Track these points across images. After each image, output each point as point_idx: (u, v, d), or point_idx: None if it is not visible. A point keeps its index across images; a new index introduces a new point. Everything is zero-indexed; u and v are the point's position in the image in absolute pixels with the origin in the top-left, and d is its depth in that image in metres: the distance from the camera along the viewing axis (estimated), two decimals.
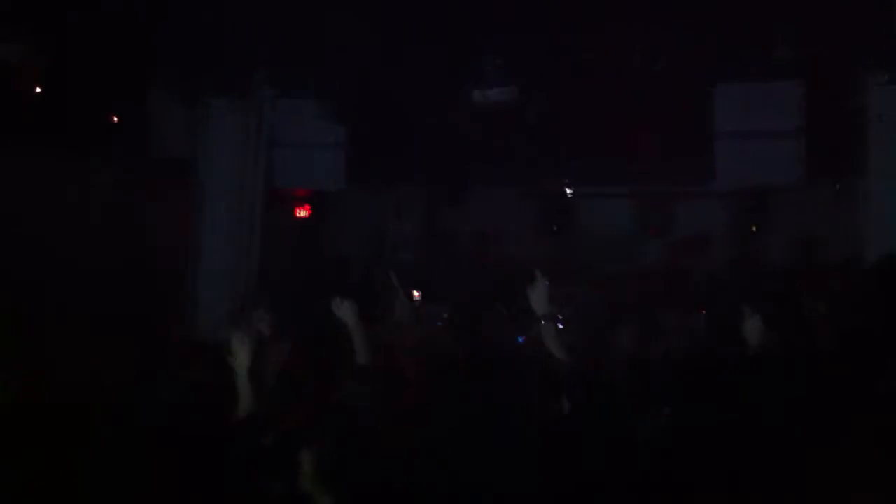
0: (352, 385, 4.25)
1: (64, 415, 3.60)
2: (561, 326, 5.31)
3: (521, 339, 5.64)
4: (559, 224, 12.12)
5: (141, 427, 3.39)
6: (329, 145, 8.68)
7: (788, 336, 5.50)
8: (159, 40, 7.43)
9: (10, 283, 6.25)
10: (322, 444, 3.31)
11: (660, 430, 4.31)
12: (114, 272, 7.69)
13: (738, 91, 7.79)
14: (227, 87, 8.54)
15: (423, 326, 5.97)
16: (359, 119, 8.73)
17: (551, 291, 4.57)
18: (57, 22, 6.98)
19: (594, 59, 7.77)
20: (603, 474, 3.81)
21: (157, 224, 8.49)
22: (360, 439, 3.49)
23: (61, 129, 7.19)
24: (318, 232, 11.61)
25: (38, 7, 6.90)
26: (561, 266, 10.42)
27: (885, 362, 4.24)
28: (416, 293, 8.52)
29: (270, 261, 9.27)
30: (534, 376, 4.64)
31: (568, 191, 11.95)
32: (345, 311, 4.60)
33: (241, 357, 3.93)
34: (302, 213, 10.99)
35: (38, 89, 7.27)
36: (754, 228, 11.28)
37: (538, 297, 4.58)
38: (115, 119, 8.17)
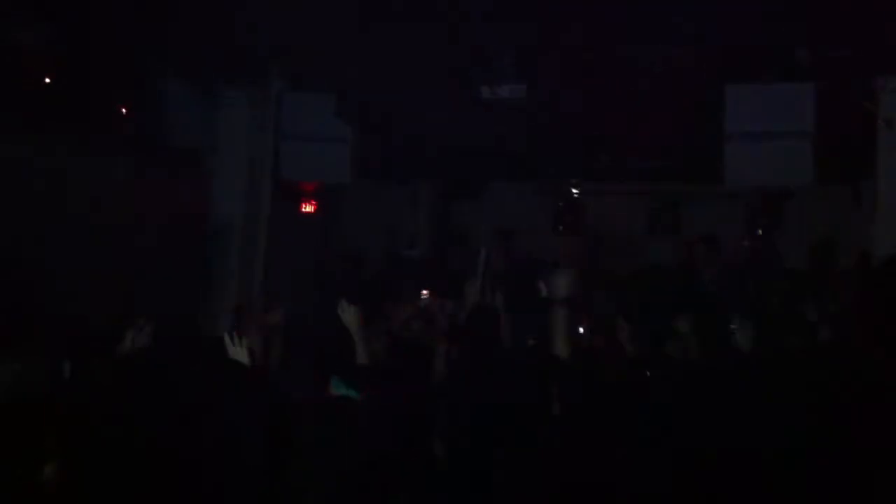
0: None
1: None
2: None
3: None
4: (566, 222, 12.10)
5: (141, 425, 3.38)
6: (336, 139, 8.71)
7: (795, 338, 5.49)
8: (172, 31, 7.46)
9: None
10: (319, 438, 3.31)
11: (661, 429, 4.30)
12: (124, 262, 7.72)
13: (749, 92, 7.77)
14: (240, 79, 8.59)
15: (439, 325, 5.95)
16: (368, 113, 8.75)
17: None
18: (69, 11, 7.01)
19: (604, 58, 7.75)
20: (602, 474, 3.82)
21: (168, 212, 8.50)
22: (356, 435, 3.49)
23: (71, 119, 7.21)
24: (327, 226, 11.63)
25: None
26: (571, 264, 10.42)
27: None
28: (424, 292, 8.52)
29: (279, 254, 9.32)
30: (536, 376, 4.65)
31: (574, 191, 11.92)
32: (348, 315, 4.59)
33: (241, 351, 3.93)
34: (308, 207, 11.00)
35: (49, 78, 7.29)
36: (760, 231, 11.24)
37: (558, 283, 4.60)
38: (127, 109, 8.19)
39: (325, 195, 11.07)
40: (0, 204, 6.61)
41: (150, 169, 8.21)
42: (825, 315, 5.97)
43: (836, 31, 6.89)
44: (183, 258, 8.47)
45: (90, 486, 2.73)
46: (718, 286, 9.48)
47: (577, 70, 7.93)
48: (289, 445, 3.17)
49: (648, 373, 5.05)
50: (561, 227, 12.13)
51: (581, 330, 6.73)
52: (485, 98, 7.80)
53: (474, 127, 8.86)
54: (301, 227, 10.88)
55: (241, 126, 9.02)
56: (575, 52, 7.69)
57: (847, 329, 5.65)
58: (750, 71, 7.67)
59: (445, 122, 8.80)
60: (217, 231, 8.95)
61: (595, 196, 12.11)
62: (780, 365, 4.57)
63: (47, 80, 7.18)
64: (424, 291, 8.52)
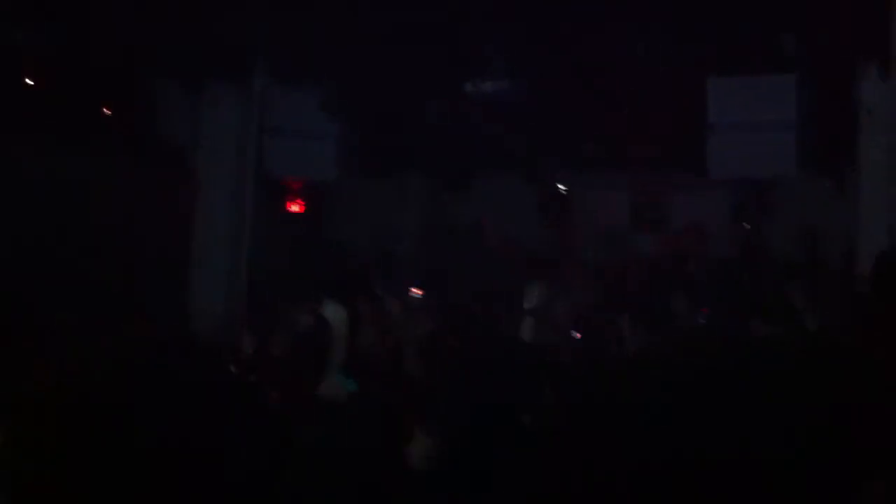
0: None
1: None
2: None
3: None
4: (554, 216, 12.13)
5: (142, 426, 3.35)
6: (322, 135, 8.71)
7: (785, 329, 5.53)
8: (156, 26, 7.42)
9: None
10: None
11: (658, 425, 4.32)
12: (111, 260, 7.69)
13: (732, 83, 7.81)
14: (225, 74, 8.55)
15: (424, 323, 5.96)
16: (355, 108, 8.74)
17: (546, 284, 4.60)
18: (54, 9, 6.97)
19: (589, 51, 7.78)
20: (602, 474, 3.82)
21: (153, 210, 8.48)
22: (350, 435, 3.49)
23: (55, 118, 7.18)
24: (315, 222, 11.62)
25: None
26: (558, 258, 10.46)
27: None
28: (415, 290, 8.53)
29: (265, 252, 9.30)
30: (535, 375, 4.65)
31: (561, 186, 11.96)
32: (335, 316, 4.54)
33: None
34: (294, 206, 10.99)
35: (36, 77, 7.26)
36: (747, 222, 11.32)
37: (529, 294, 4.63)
38: (111, 107, 8.16)
39: (311, 192, 11.06)
40: None
41: (135, 167, 8.18)
42: (812, 303, 6.03)
43: (819, 20, 6.93)
44: (169, 255, 8.44)
45: (90, 486, 2.74)
46: (706, 276, 9.54)
47: (561, 63, 7.95)
48: (288, 445, 3.18)
49: (648, 373, 5.05)
50: (547, 221, 12.17)
51: (577, 334, 6.77)
52: (469, 93, 7.81)
53: (460, 120, 8.87)
54: (287, 225, 10.88)
55: (227, 122, 8.98)
56: (559, 46, 7.71)
57: (832, 317, 5.70)
58: (733, 62, 7.70)
59: (432, 115, 8.81)
60: (202, 228, 8.92)
61: (581, 188, 12.14)
62: (780, 361, 4.60)
63: (30, 82, 7.14)
64: (414, 290, 8.53)
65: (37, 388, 1.53)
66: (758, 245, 11.14)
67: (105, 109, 8.11)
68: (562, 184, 12.06)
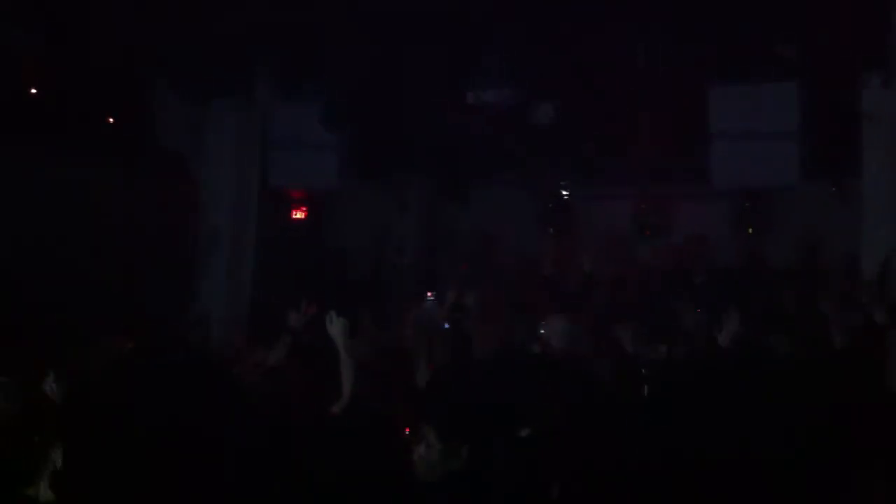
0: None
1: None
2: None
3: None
4: (557, 225, 12.11)
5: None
6: (324, 145, 8.74)
7: (789, 336, 5.51)
8: (162, 40, 7.47)
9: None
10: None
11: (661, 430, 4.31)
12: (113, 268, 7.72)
13: (735, 92, 7.81)
14: (228, 88, 8.59)
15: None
16: (357, 120, 8.77)
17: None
18: (59, 19, 7.01)
19: (592, 59, 7.80)
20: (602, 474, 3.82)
21: (157, 219, 8.52)
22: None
23: (60, 127, 7.21)
24: (318, 231, 11.65)
25: (40, 5, 6.93)
26: (561, 267, 10.44)
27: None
28: (429, 294, 8.51)
29: (268, 260, 9.32)
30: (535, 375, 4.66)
31: (564, 193, 11.93)
32: (335, 329, 4.47)
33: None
34: (299, 214, 11.02)
35: (40, 85, 7.29)
36: (750, 230, 11.31)
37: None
38: (116, 117, 8.20)
39: (313, 201, 11.08)
40: None
41: (138, 176, 8.21)
42: (812, 311, 6.01)
43: (820, 28, 6.95)
44: (171, 263, 8.47)
45: (88, 486, 2.74)
46: (709, 285, 9.53)
47: (565, 72, 7.98)
48: (287, 450, 3.17)
49: (647, 372, 5.05)
50: (551, 229, 12.15)
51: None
52: (470, 103, 7.83)
53: (462, 130, 8.89)
54: (291, 233, 10.90)
55: (230, 133, 9.02)
56: (563, 54, 7.74)
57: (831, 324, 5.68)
58: (735, 70, 7.71)
59: (433, 125, 8.83)
60: (205, 237, 8.95)
61: (584, 197, 12.12)
62: (780, 365, 4.60)
63: (38, 86, 7.18)
64: (430, 293, 8.49)
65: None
66: (760, 254, 11.14)
67: (109, 120, 8.14)
68: (564, 192, 12.04)
